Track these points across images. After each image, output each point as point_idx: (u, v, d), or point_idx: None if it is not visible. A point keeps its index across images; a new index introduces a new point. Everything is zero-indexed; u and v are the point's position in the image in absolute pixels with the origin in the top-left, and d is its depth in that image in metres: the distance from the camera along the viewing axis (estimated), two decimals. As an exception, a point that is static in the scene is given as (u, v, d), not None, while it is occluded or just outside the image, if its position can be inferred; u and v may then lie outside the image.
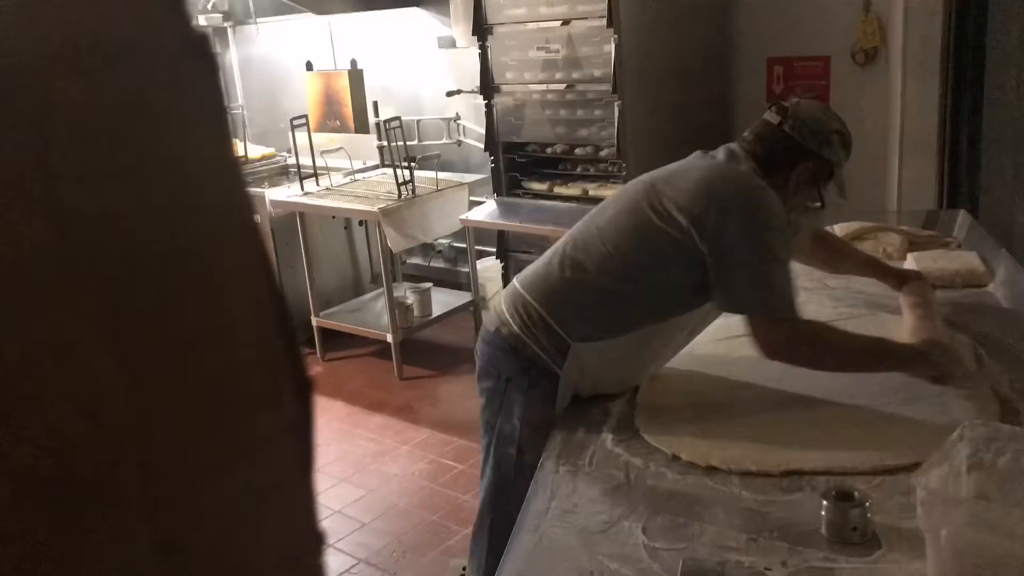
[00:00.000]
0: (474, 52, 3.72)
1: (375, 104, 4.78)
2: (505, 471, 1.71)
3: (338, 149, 4.67)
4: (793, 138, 1.74)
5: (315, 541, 0.44)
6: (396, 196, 4.04)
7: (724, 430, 1.53)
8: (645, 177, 1.79)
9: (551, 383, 1.67)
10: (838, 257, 2.15)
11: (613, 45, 3.23)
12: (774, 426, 1.54)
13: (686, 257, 1.63)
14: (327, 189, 4.38)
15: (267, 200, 4.30)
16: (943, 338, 1.73)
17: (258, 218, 3.53)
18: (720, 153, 1.76)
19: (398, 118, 4.11)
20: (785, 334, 1.61)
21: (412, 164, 4.11)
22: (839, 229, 2.48)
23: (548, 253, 1.80)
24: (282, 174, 4.98)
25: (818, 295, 2.17)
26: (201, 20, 5.16)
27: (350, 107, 4.75)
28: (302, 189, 4.30)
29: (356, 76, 4.77)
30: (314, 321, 4.42)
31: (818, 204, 1.83)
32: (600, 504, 1.36)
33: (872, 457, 1.40)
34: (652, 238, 1.66)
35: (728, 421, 1.57)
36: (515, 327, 1.71)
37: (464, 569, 2.67)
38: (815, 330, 1.66)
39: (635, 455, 1.50)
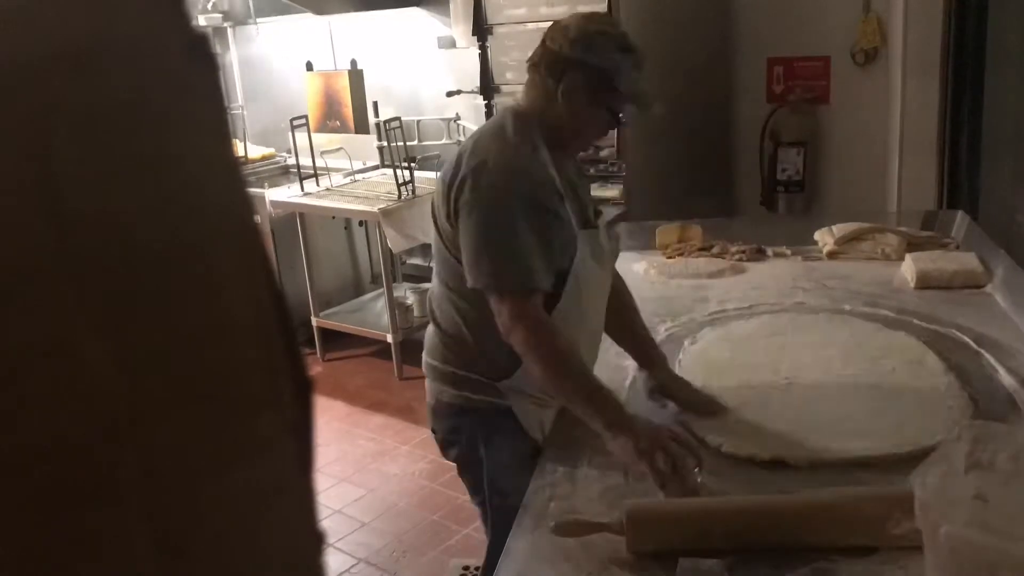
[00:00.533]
0: (474, 52, 3.72)
1: (375, 104, 4.77)
2: (502, 521, 1.49)
3: (338, 149, 4.67)
4: (553, 51, 1.58)
5: (315, 541, 0.44)
6: (396, 196, 4.04)
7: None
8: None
9: (507, 419, 1.61)
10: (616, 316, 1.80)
11: (613, 45, 3.22)
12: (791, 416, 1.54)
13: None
14: (327, 189, 4.37)
15: (267, 200, 4.30)
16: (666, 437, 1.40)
17: (258, 218, 3.53)
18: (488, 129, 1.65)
19: (398, 118, 4.11)
20: (508, 315, 1.49)
21: (412, 164, 4.11)
22: (837, 230, 2.48)
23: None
24: (282, 174, 4.98)
25: (816, 295, 2.18)
26: (201, 20, 5.16)
27: (350, 107, 4.75)
28: (302, 189, 4.29)
29: (356, 76, 4.77)
30: (314, 321, 4.42)
31: (616, 123, 1.67)
32: (599, 504, 1.36)
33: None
34: (448, 256, 1.61)
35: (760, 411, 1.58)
36: (451, 389, 1.67)
37: (464, 569, 2.68)
38: (545, 327, 1.50)
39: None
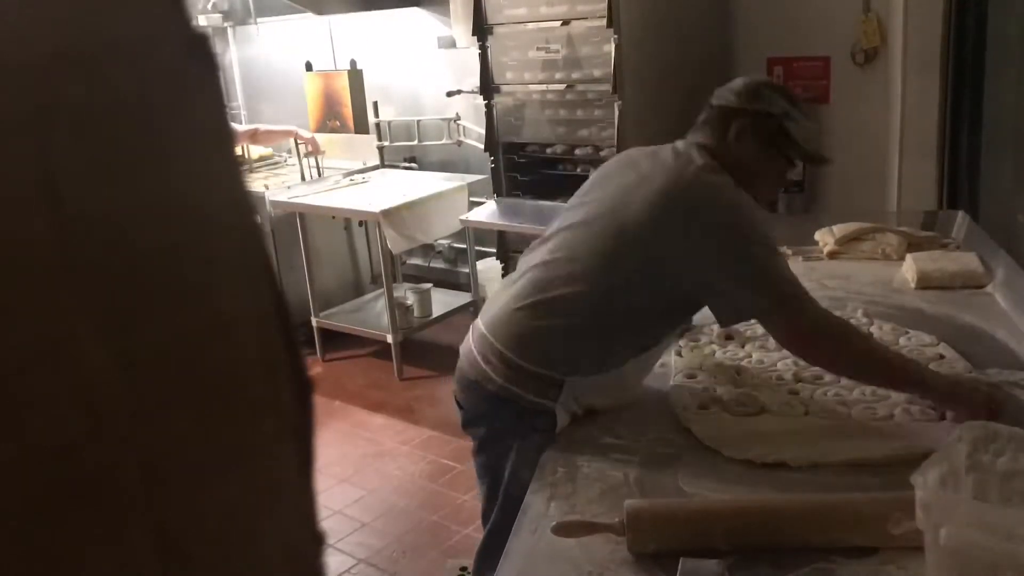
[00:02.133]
0: (474, 52, 3.72)
1: (375, 104, 4.78)
2: (508, 517, 1.48)
3: (338, 152, 4.66)
4: (722, 106, 1.66)
5: (315, 541, 0.44)
6: (398, 198, 4.04)
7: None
8: (597, 206, 1.64)
9: (547, 420, 1.57)
10: None
11: (613, 45, 3.23)
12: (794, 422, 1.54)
13: (659, 280, 1.54)
14: (329, 191, 4.37)
15: (267, 200, 4.30)
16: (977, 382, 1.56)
17: (258, 218, 3.52)
18: (667, 156, 1.64)
19: (400, 120, 4.10)
20: (807, 326, 1.51)
21: (414, 166, 4.11)
22: (837, 230, 2.49)
23: (508, 291, 1.68)
24: (282, 175, 4.98)
25: (816, 294, 2.17)
26: (201, 20, 5.16)
27: (350, 107, 4.75)
28: (304, 187, 4.29)
29: (356, 76, 4.77)
30: (314, 321, 4.42)
31: (791, 168, 1.73)
32: (599, 504, 1.36)
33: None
34: (621, 268, 1.56)
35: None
36: (498, 379, 1.59)
37: (462, 569, 2.68)
38: (841, 328, 1.55)
39: (633, 456, 1.50)
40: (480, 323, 1.68)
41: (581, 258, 1.59)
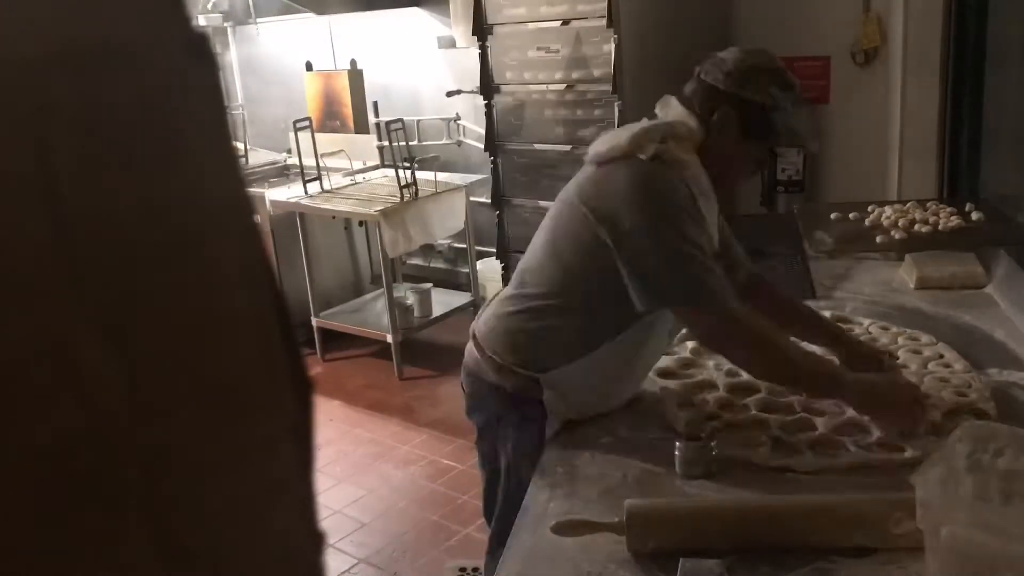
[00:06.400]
0: (474, 52, 3.72)
1: (375, 104, 4.77)
2: (510, 502, 1.60)
3: (338, 152, 4.67)
4: (708, 84, 1.59)
5: (315, 541, 0.44)
6: (399, 199, 4.04)
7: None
8: (571, 194, 1.64)
9: (541, 412, 1.61)
10: (782, 316, 1.77)
11: (613, 45, 3.23)
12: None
13: (610, 266, 1.52)
14: (328, 191, 4.37)
15: (267, 200, 4.30)
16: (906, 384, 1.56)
17: (258, 218, 3.53)
18: (624, 140, 1.59)
19: (400, 120, 4.11)
20: (714, 325, 1.52)
21: (414, 166, 4.10)
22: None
23: (502, 293, 1.75)
24: (282, 175, 4.98)
25: (817, 304, 2.17)
26: (201, 20, 5.16)
27: (350, 107, 4.75)
28: (306, 192, 4.29)
29: (356, 76, 4.77)
30: (314, 321, 4.42)
31: (770, 156, 1.70)
32: (599, 504, 1.36)
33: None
34: (570, 257, 1.59)
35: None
36: (491, 374, 1.65)
37: (460, 571, 2.68)
38: (755, 332, 1.53)
39: (632, 456, 1.50)
40: (473, 328, 1.75)
41: (541, 252, 1.64)
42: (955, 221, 2.42)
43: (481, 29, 3.62)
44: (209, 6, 5.27)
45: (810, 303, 1.99)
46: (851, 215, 2.58)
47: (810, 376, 1.54)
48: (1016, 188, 2.72)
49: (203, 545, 0.38)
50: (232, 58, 5.50)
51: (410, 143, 4.24)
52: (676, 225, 1.49)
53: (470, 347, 1.73)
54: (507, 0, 3.54)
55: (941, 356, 1.75)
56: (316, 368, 4.40)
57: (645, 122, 1.64)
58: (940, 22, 3.05)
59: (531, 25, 3.51)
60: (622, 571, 1.21)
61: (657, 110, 1.66)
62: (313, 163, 4.37)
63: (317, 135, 4.44)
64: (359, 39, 4.87)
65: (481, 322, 1.72)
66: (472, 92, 4.06)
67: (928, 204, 2.57)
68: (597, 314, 1.58)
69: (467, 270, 4.61)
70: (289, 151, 4.93)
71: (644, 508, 1.27)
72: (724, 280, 1.53)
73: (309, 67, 4.94)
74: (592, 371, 1.60)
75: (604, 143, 1.60)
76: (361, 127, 4.79)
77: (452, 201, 4.26)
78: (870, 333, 1.90)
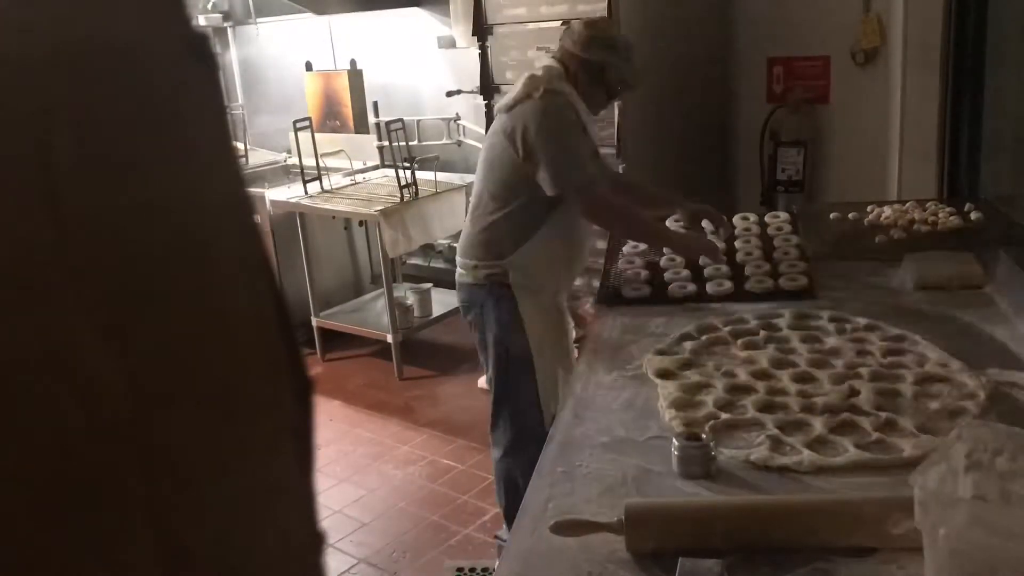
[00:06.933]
0: (474, 52, 3.72)
1: (375, 104, 4.77)
2: (501, 367, 2.45)
3: (338, 152, 4.66)
4: (563, 48, 2.42)
5: (315, 541, 0.44)
6: (399, 199, 4.04)
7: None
8: (497, 134, 2.42)
9: (510, 292, 2.37)
10: (639, 199, 2.60)
11: (613, 45, 3.23)
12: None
13: (529, 173, 2.32)
14: (329, 191, 4.37)
15: (267, 200, 4.30)
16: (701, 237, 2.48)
17: (258, 218, 3.53)
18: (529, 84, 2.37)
19: (400, 120, 4.11)
20: (589, 203, 2.34)
21: (414, 166, 4.10)
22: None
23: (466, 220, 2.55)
24: (282, 175, 4.98)
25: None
26: (201, 20, 5.16)
27: (350, 107, 4.75)
28: (306, 192, 4.29)
29: (356, 76, 4.77)
30: (314, 321, 4.42)
31: (611, 100, 2.55)
32: (598, 504, 1.36)
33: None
34: (503, 165, 2.37)
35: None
36: (468, 275, 2.45)
37: (458, 571, 2.68)
38: (613, 203, 2.39)
39: (631, 456, 1.50)
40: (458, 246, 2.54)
41: (482, 182, 2.45)
42: (954, 221, 2.43)
43: (481, 29, 3.61)
44: (209, 6, 5.27)
45: (810, 303, 2.08)
46: (851, 215, 2.59)
47: (654, 234, 2.43)
48: (1016, 188, 2.72)
49: (203, 545, 0.38)
50: (232, 58, 5.50)
51: (410, 143, 4.24)
52: (564, 136, 2.32)
53: (458, 267, 2.50)
54: (507, 0, 3.54)
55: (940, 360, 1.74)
56: (316, 368, 4.40)
57: (527, 74, 2.39)
58: (940, 22, 3.05)
59: (531, 25, 3.51)
60: (622, 571, 1.20)
61: (536, 65, 2.44)
62: (313, 163, 4.37)
63: (317, 135, 4.44)
64: (359, 39, 4.87)
65: (460, 242, 2.51)
66: (472, 92, 4.06)
67: (927, 204, 2.58)
68: (528, 207, 2.35)
69: (467, 270, 4.60)
70: (289, 151, 4.93)
71: (643, 508, 1.27)
72: (597, 175, 2.41)
73: (309, 67, 4.94)
74: (540, 248, 2.37)
75: (506, 97, 2.42)
76: (361, 127, 4.79)
77: (452, 201, 4.26)
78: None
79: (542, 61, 2.48)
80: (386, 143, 4.14)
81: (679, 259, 2.39)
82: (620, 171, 3.02)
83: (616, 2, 3.18)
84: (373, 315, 4.50)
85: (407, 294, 4.41)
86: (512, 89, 2.41)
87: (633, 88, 2.50)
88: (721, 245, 2.39)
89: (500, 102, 2.46)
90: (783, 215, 2.68)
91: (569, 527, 1.26)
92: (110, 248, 0.35)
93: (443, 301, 4.50)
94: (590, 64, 2.37)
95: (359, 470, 3.42)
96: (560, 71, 2.36)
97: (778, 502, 1.28)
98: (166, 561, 0.37)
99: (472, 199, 2.48)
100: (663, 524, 1.25)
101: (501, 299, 2.38)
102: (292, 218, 4.34)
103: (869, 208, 2.60)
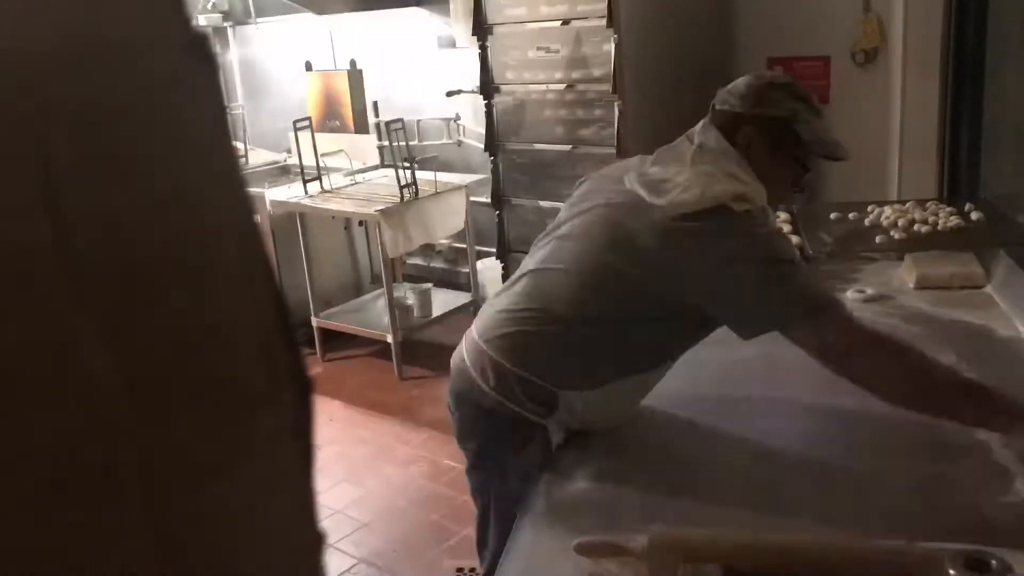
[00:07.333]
0: (474, 52, 3.72)
1: (375, 104, 4.77)
2: (506, 528, 1.48)
3: (338, 152, 4.66)
4: (725, 112, 1.59)
5: (315, 541, 0.44)
6: (399, 199, 4.04)
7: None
8: (601, 209, 1.56)
9: (542, 433, 1.53)
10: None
11: (613, 45, 3.23)
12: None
13: (659, 301, 1.47)
14: (329, 191, 4.37)
15: (267, 200, 4.30)
16: None
17: (258, 218, 3.51)
18: (675, 170, 1.54)
19: (400, 120, 4.11)
20: (833, 335, 1.37)
21: (414, 166, 4.10)
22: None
23: (501, 299, 1.63)
24: (282, 174, 4.98)
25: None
26: (201, 20, 5.16)
27: (350, 107, 4.75)
28: (306, 192, 4.29)
29: (355, 76, 4.77)
30: (314, 321, 4.42)
31: (806, 171, 1.66)
32: (597, 505, 1.36)
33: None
34: (615, 287, 1.50)
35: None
36: (491, 392, 1.52)
37: (458, 571, 2.68)
38: (879, 339, 1.38)
39: (635, 474, 1.50)
40: (474, 331, 1.62)
41: (574, 271, 1.53)
42: (955, 221, 2.42)
43: (481, 29, 3.61)
44: (209, 6, 5.27)
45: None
46: (851, 215, 2.59)
47: (957, 400, 1.33)
48: (1016, 188, 2.72)
49: (203, 545, 0.38)
50: (232, 58, 5.50)
51: (410, 143, 4.24)
52: (759, 245, 1.43)
53: (461, 367, 1.60)
54: (507, 0, 3.54)
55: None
56: (316, 368, 4.40)
57: (686, 145, 1.60)
58: (940, 22, 3.05)
59: (531, 25, 3.51)
60: (621, 572, 1.20)
61: (697, 137, 1.61)
62: (313, 163, 4.37)
63: (317, 135, 4.44)
64: (359, 39, 4.86)
65: (491, 330, 1.57)
66: (472, 92, 4.06)
67: (928, 204, 2.58)
68: (633, 351, 1.52)
69: (467, 270, 4.60)
70: (289, 151, 4.93)
71: (668, 537, 1.19)
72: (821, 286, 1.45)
73: (309, 67, 4.94)
74: (615, 397, 1.55)
75: (679, 189, 1.46)
76: (361, 127, 4.79)
77: (452, 201, 4.26)
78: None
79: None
80: (386, 143, 4.14)
81: None
82: None
83: (616, 2, 3.18)
84: (373, 315, 4.50)
85: (407, 294, 4.41)
86: (679, 178, 1.50)
87: (837, 153, 1.64)
88: None
89: (668, 196, 1.48)
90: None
91: (594, 548, 1.21)
92: (110, 248, 0.34)
93: (443, 301, 4.50)
94: (771, 124, 1.57)
95: (359, 470, 3.42)
96: (729, 149, 1.56)
97: (810, 544, 1.21)
98: (164, 561, 0.37)
99: (534, 287, 1.58)
100: (689, 555, 1.19)
101: (529, 440, 1.54)
102: (292, 218, 4.34)
103: (869, 208, 2.60)
